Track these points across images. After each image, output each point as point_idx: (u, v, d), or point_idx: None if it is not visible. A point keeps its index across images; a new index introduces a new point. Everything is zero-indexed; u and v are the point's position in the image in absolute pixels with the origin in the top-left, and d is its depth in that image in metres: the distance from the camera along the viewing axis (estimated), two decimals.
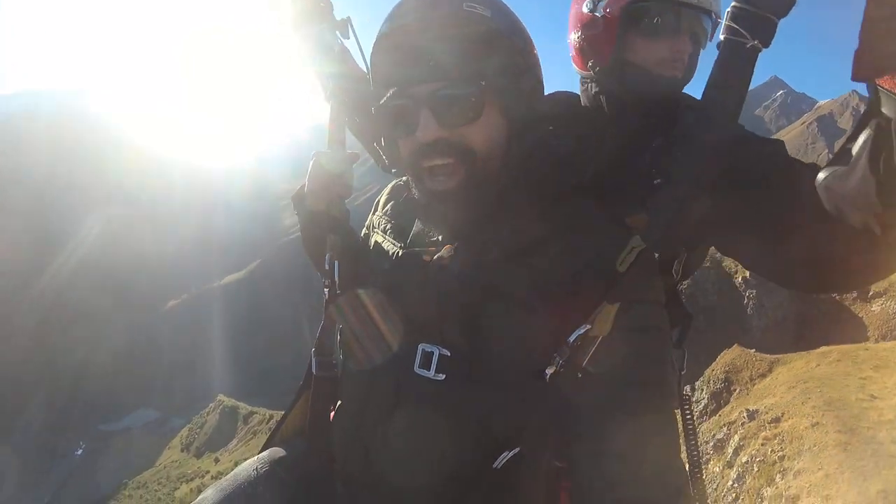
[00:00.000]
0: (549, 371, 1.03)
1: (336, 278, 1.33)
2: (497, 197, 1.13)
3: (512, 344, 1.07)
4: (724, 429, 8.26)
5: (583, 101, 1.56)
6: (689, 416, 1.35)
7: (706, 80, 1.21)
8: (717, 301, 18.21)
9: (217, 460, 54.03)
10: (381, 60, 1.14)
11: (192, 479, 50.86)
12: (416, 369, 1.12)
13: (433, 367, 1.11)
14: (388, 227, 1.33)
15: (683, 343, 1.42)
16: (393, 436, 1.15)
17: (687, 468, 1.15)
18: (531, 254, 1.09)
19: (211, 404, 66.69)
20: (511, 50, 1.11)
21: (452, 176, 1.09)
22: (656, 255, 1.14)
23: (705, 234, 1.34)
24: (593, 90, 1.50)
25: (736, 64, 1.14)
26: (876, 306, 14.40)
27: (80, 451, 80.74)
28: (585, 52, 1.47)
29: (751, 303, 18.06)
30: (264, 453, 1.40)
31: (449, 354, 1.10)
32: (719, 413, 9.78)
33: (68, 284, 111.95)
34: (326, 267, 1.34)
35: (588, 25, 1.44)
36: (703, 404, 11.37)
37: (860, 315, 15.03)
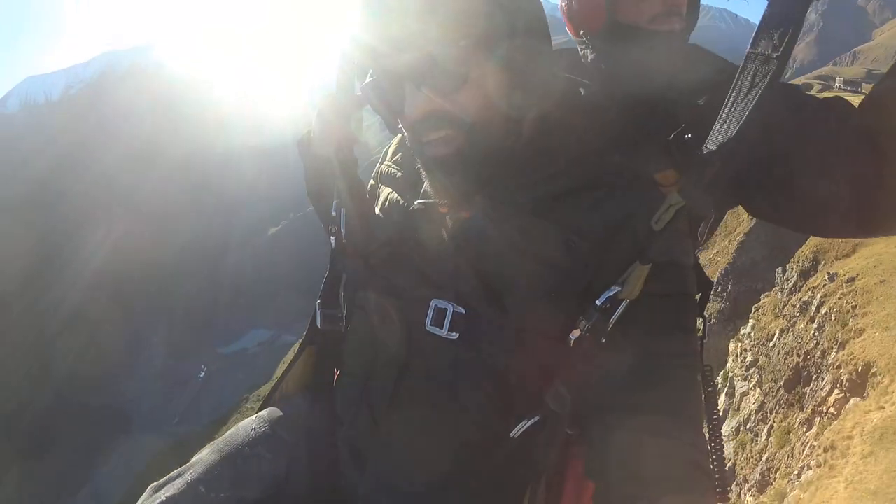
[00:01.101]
0: (574, 336, 0.96)
1: (342, 227, 1.26)
2: (507, 158, 1.04)
3: (534, 305, 0.99)
4: (809, 293, 10.07)
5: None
6: (710, 389, 1.30)
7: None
8: None
9: None
10: (358, 36, 1.03)
11: None
12: (428, 326, 1.04)
13: (446, 324, 1.03)
14: (398, 176, 1.23)
15: (705, 311, 1.38)
16: (402, 399, 1.09)
17: (708, 444, 1.10)
18: (558, 209, 1.01)
19: None
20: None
21: (452, 145, 1.00)
22: (696, 213, 1.05)
23: (737, 194, 1.28)
24: (590, 56, 1.43)
25: (786, 15, 1.03)
26: None
27: (202, 374, 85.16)
28: (575, 18, 1.42)
29: None
30: (264, 412, 1.35)
31: (464, 312, 1.02)
32: (806, 282, 11.43)
33: (182, 211, 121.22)
34: (333, 213, 1.28)
35: None
36: (792, 282, 12.70)
37: None
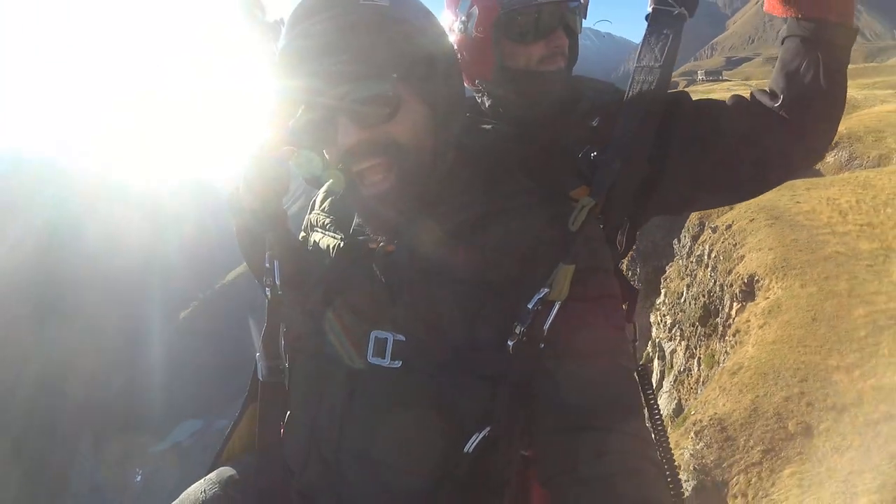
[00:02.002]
0: (512, 342, 1.00)
1: (276, 279, 1.27)
2: (436, 184, 1.10)
3: (468, 322, 1.03)
4: (700, 247, 12.13)
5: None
6: (648, 390, 1.32)
7: (637, 49, 1.27)
8: None
9: None
10: (287, 75, 1.07)
11: None
12: (370, 359, 1.07)
13: (388, 354, 1.06)
14: (326, 222, 1.27)
15: (633, 316, 1.42)
16: (351, 434, 1.09)
17: (653, 436, 1.14)
18: (479, 230, 1.06)
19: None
20: (418, 34, 1.05)
21: (386, 175, 1.06)
22: (610, 218, 1.23)
23: (648, 204, 1.36)
24: (487, 103, 1.48)
25: (664, 32, 1.20)
26: (830, 158, 16.80)
27: (138, 479, 79.10)
28: (468, 69, 1.45)
29: None
30: (212, 474, 1.32)
31: (404, 339, 1.05)
32: (697, 242, 13.50)
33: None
34: (267, 265, 1.28)
35: (463, 45, 1.44)
36: (687, 247, 14.54)
37: (818, 168, 18.21)
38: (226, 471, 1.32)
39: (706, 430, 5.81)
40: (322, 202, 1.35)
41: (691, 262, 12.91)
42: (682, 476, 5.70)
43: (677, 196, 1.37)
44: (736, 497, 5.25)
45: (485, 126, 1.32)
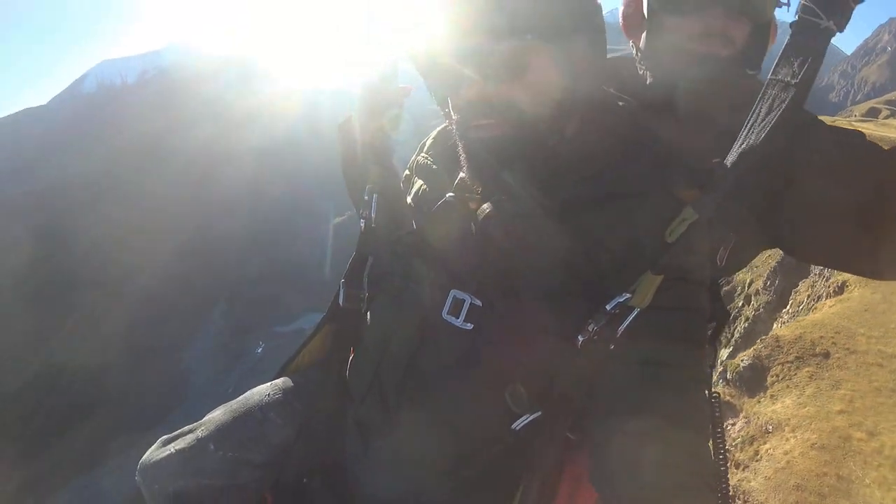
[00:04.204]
0: (582, 338, 0.99)
1: (373, 212, 1.28)
2: (547, 156, 1.08)
3: (548, 304, 1.02)
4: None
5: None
6: (717, 414, 1.26)
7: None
8: None
9: None
10: (425, 14, 1.06)
11: None
12: (444, 315, 1.08)
13: (462, 315, 1.07)
14: (433, 168, 1.27)
15: (717, 340, 1.34)
16: (411, 383, 1.12)
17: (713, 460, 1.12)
18: (581, 215, 1.04)
19: None
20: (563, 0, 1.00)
21: (495, 129, 1.04)
22: (716, 234, 1.10)
23: (765, 228, 1.26)
24: (641, 69, 1.41)
25: (807, 46, 1.05)
26: None
27: (259, 350, 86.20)
28: (628, 31, 1.41)
29: None
30: (278, 380, 1.39)
31: (481, 305, 1.06)
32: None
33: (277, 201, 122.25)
34: (365, 198, 1.29)
35: (626, 3, 1.38)
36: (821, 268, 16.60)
37: None
38: (290, 380, 1.43)
39: None
40: (431, 147, 1.35)
41: (823, 285, 14.78)
42: None
43: (790, 233, 1.26)
44: None
45: (617, 103, 1.22)
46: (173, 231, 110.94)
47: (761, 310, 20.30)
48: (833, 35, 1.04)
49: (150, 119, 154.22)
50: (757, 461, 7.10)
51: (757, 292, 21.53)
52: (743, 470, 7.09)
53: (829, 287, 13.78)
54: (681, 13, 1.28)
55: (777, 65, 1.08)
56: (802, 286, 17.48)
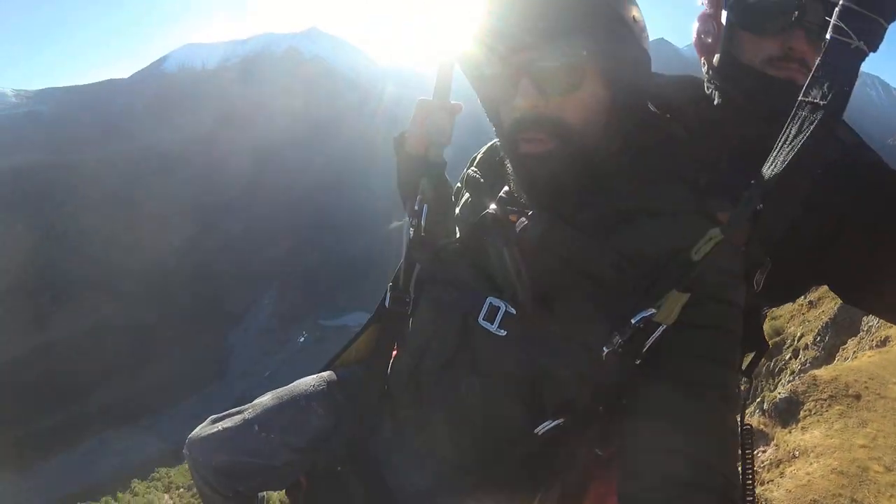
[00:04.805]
0: (607, 349, 1.01)
1: (423, 221, 1.33)
2: (589, 171, 1.10)
3: (578, 316, 1.06)
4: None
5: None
6: (748, 450, 1.26)
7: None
8: None
9: None
10: (482, 26, 1.09)
11: None
12: (480, 320, 1.13)
13: (497, 321, 1.11)
14: (479, 182, 1.31)
15: (752, 373, 1.31)
16: (446, 382, 1.19)
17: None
18: (615, 232, 1.07)
19: None
20: (615, 18, 1.04)
21: (544, 145, 1.07)
22: (752, 257, 1.09)
23: (812, 263, 1.23)
24: (710, 89, 1.39)
25: (837, 66, 1.00)
26: None
27: (302, 339, 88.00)
28: (701, 48, 1.39)
29: None
30: (324, 373, 1.47)
31: (514, 313, 1.10)
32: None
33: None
34: (416, 208, 1.34)
35: (701, 19, 1.37)
36: (871, 324, 16.25)
37: None
38: (335, 374, 1.50)
39: None
40: (481, 161, 1.40)
41: (869, 341, 15.25)
42: None
43: (841, 276, 1.25)
44: None
45: (671, 122, 1.25)
46: (240, 210, 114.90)
47: (808, 364, 20.45)
48: (865, 56, 1.00)
49: (228, 103, 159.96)
50: (781, 477, 8.05)
51: (806, 346, 21.72)
52: (767, 483, 8.04)
53: (872, 341, 14.26)
54: (762, 31, 1.26)
55: (807, 86, 1.04)
56: (850, 343, 17.73)
